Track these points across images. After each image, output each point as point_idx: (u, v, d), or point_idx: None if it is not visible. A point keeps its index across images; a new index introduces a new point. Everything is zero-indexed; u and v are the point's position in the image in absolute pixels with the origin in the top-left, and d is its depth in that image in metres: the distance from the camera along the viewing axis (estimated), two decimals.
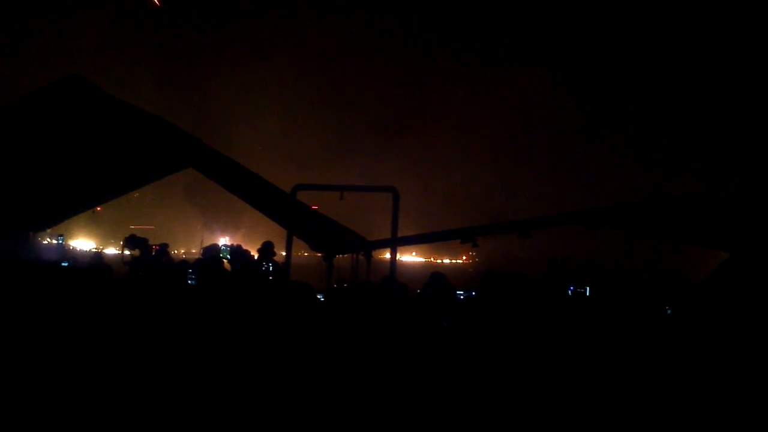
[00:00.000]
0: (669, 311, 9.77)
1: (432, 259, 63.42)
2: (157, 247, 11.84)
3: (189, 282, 9.46)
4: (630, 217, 9.96)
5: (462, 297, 9.64)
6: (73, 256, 16.16)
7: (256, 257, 11.73)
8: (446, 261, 65.10)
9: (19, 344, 5.04)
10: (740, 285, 6.26)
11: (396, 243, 12.17)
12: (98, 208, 16.56)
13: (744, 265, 6.62)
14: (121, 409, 4.54)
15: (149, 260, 11.25)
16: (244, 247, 11.45)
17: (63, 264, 11.60)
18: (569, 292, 10.24)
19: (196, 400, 4.50)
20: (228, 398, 4.47)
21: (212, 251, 10.66)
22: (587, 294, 10.82)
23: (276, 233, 13.61)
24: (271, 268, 11.41)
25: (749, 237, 9.01)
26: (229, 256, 11.17)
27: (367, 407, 4.30)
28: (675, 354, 5.91)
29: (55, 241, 17.84)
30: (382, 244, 12.67)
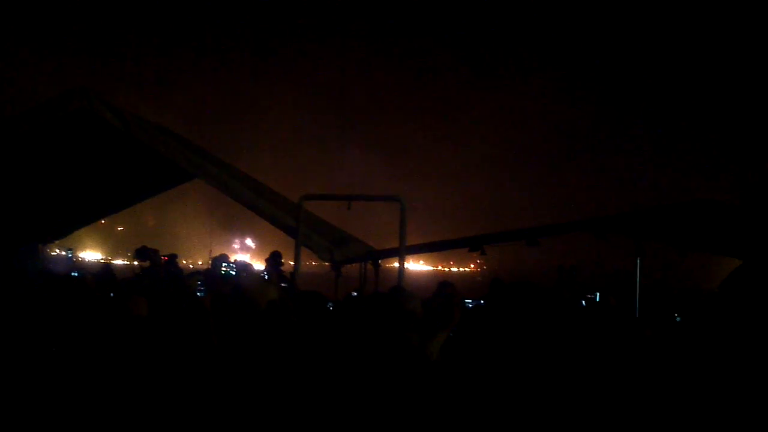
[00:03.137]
0: (678, 319, 9.70)
1: (440, 267, 63.48)
2: (166, 258, 11.87)
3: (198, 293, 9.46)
4: (638, 225, 9.90)
5: (470, 306, 9.61)
6: (82, 267, 16.22)
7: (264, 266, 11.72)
8: (454, 269, 65.15)
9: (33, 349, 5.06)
10: (753, 292, 6.22)
11: (404, 252, 12.13)
12: (103, 221, 16.63)
13: (757, 272, 6.59)
14: (131, 417, 4.54)
15: (159, 271, 11.27)
16: (255, 254, 11.46)
17: (73, 274, 11.65)
18: (582, 302, 10.23)
19: (205, 409, 4.50)
20: (238, 408, 4.46)
21: (221, 261, 10.67)
22: (597, 300, 10.78)
23: (285, 242, 13.59)
24: (266, 277, 11.36)
25: (761, 244, 8.96)
26: (233, 273, 11.15)
27: (379, 417, 4.28)
28: (685, 362, 5.88)
29: (64, 253, 17.90)
30: (390, 253, 12.63)
